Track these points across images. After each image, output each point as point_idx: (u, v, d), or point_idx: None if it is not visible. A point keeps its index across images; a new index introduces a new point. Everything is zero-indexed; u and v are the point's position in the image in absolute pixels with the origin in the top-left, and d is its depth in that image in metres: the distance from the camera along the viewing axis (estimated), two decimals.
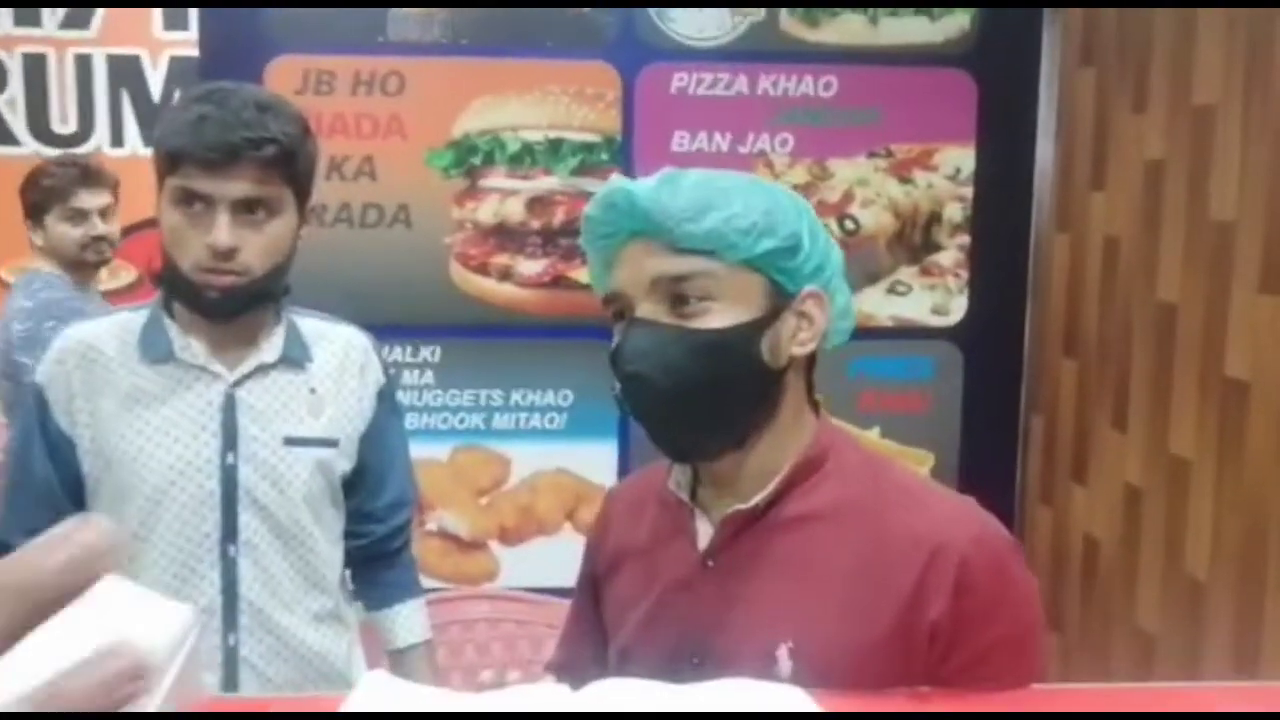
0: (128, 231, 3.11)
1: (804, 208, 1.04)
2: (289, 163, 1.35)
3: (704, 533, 1.03)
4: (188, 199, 1.32)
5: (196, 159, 1.30)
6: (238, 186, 1.31)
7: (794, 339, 1.01)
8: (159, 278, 1.42)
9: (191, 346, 1.40)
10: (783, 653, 0.93)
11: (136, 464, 1.37)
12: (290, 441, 1.43)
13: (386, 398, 1.56)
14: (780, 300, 1.00)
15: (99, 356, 1.40)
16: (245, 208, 1.33)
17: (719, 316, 0.98)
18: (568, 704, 0.81)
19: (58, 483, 1.38)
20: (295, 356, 1.45)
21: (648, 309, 0.98)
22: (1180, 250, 2.02)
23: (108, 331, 1.42)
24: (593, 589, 1.14)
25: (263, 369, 1.43)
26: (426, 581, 2.46)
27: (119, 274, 3.18)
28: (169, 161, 1.33)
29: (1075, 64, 2.43)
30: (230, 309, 1.37)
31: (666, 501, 1.06)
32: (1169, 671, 2.00)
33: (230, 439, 1.40)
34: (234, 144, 1.30)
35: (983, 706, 0.90)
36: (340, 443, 1.48)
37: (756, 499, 0.99)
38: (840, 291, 1.05)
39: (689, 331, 0.97)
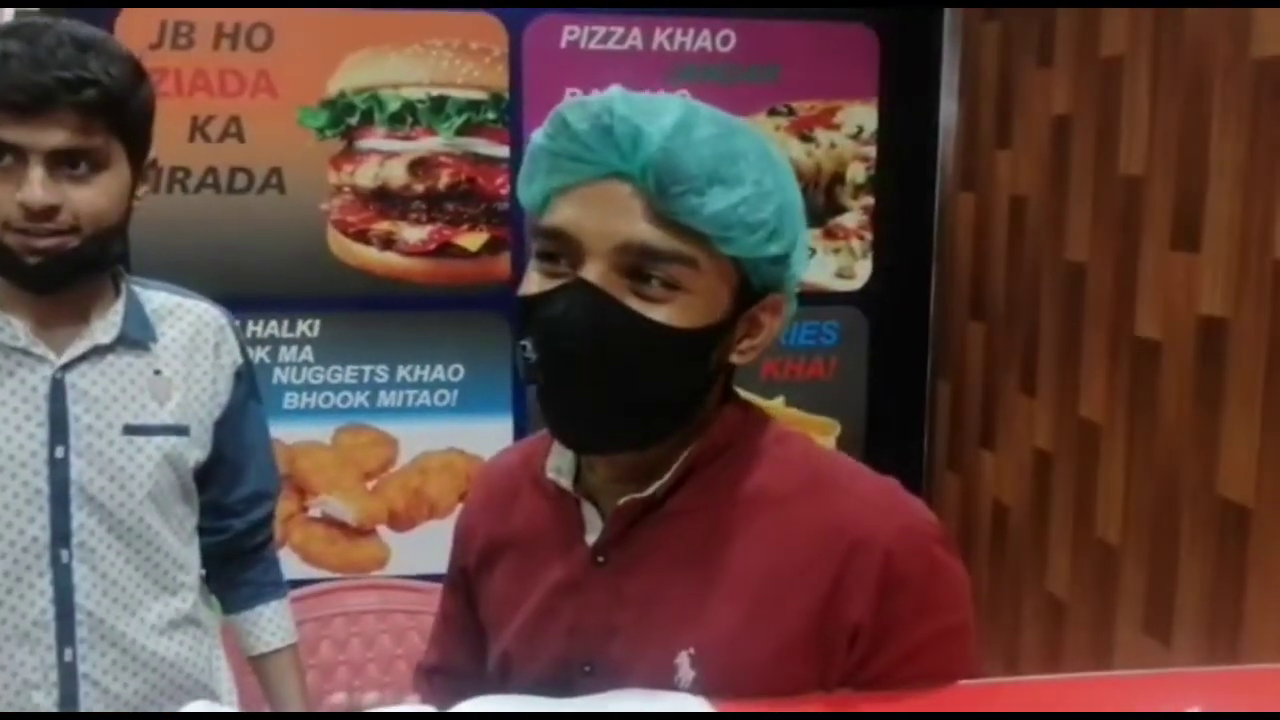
0: None
1: (799, 202, 0.87)
2: (116, 110, 1.18)
3: (593, 525, 0.90)
4: None
5: (4, 104, 1.13)
6: (53, 136, 1.14)
7: (737, 347, 0.87)
8: None
9: (11, 326, 1.23)
10: (684, 659, 0.81)
11: None
12: (131, 430, 1.27)
13: (244, 379, 1.41)
14: (742, 303, 0.85)
15: None
16: (64, 160, 1.16)
17: (683, 313, 0.81)
18: None
19: None
20: (136, 336, 1.29)
21: (600, 273, 0.80)
22: (1089, 208, 1.96)
23: None
24: (465, 583, 1.01)
25: (98, 351, 1.26)
26: (311, 571, 2.35)
27: None
28: None
29: (979, 17, 2.36)
30: (53, 277, 1.19)
31: (547, 489, 0.93)
32: (1079, 637, 1.97)
33: (60, 430, 1.23)
34: (47, 86, 1.12)
35: (906, 707, 0.80)
36: (191, 430, 1.32)
37: (654, 487, 0.86)
38: (793, 298, 0.90)
39: (645, 321, 0.80)
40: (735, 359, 0.88)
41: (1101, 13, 1.92)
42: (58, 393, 1.24)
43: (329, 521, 2.36)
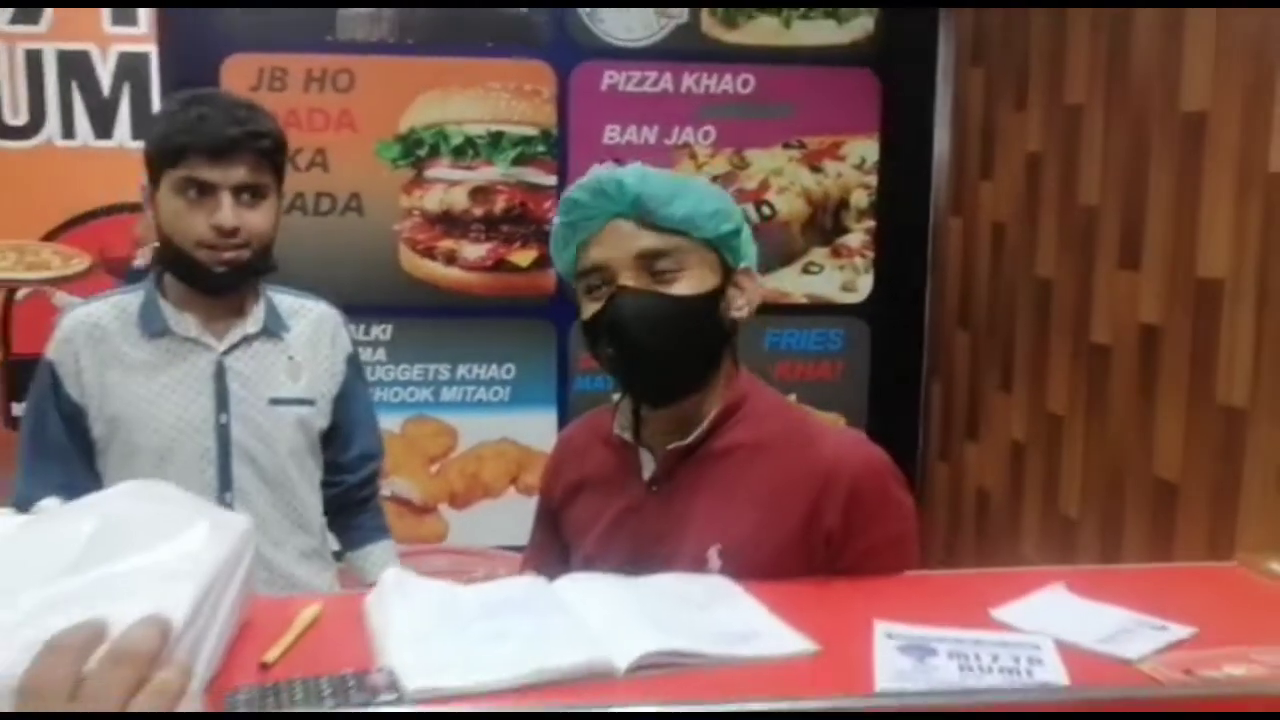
0: (80, 220, 3.23)
1: (729, 198, 1.26)
2: (275, 154, 1.56)
3: (648, 466, 1.25)
4: (190, 187, 1.50)
5: (202, 151, 1.48)
6: (236, 174, 1.51)
7: (734, 306, 1.24)
8: (157, 259, 1.60)
9: (185, 321, 1.58)
10: (713, 553, 1.16)
11: (142, 426, 1.55)
12: (274, 402, 1.62)
13: (353, 364, 1.76)
14: (726, 273, 1.23)
15: (102, 334, 1.58)
16: (242, 192, 1.52)
17: (688, 284, 1.19)
18: (545, 589, 1.03)
19: (71, 446, 1.56)
20: (274, 328, 1.65)
21: (630, 278, 1.18)
22: (1055, 232, 2.29)
23: (108, 311, 1.60)
24: (551, 518, 1.36)
25: (247, 339, 1.62)
26: None
27: (71, 262, 3.29)
28: (172, 155, 1.50)
29: (967, 64, 2.69)
30: (231, 282, 1.56)
31: (612, 443, 1.29)
32: None
33: (223, 401, 1.59)
34: (234, 137, 1.49)
35: (869, 588, 1.13)
36: (316, 402, 1.67)
37: (692, 436, 1.22)
38: (756, 274, 1.28)
39: (668, 296, 1.18)
40: (735, 314, 1.24)
41: (1066, 65, 2.25)
42: (220, 373, 1.59)
43: (397, 500, 2.69)
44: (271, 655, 0.88)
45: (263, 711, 0.79)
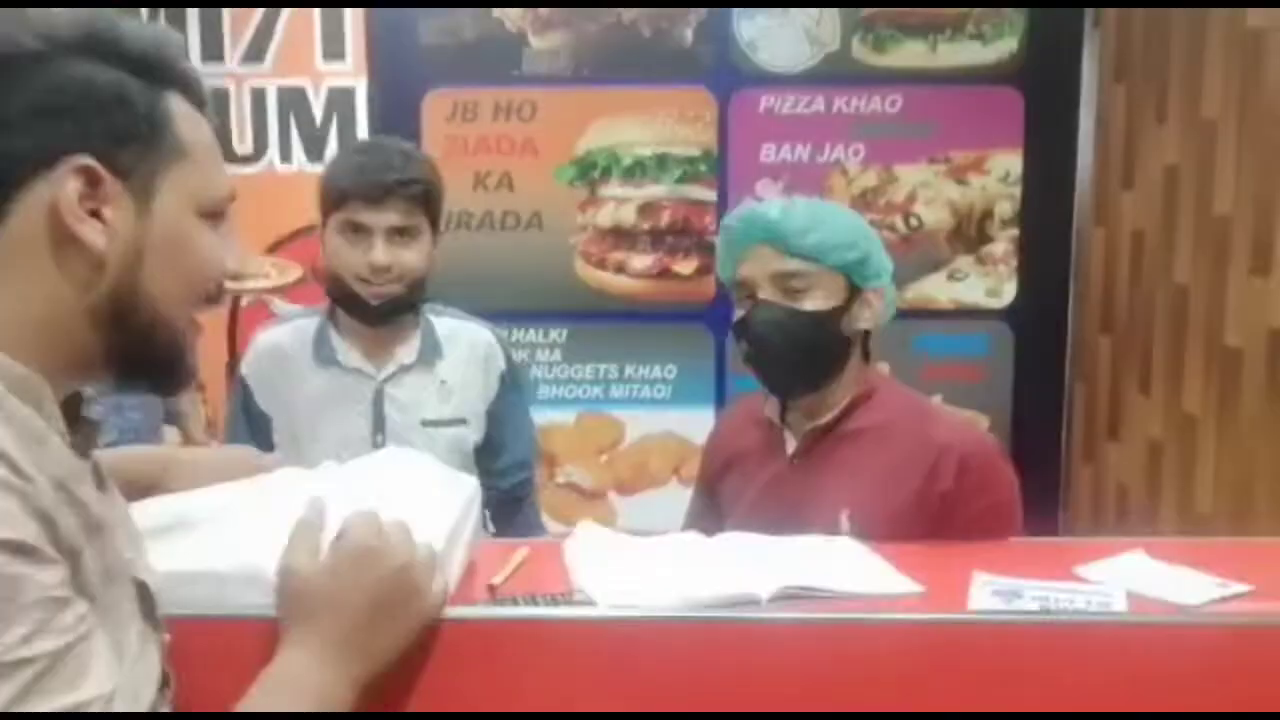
0: (294, 235, 3.67)
1: (872, 233, 1.50)
2: (427, 199, 1.76)
3: (790, 444, 1.50)
4: (351, 228, 1.72)
5: (360, 196, 1.69)
6: (389, 217, 1.70)
7: (859, 319, 1.48)
8: (327, 290, 1.83)
9: (350, 353, 1.82)
10: (843, 518, 1.39)
11: (311, 442, 1.77)
12: (427, 424, 1.82)
13: (508, 380, 1.93)
14: (853, 293, 1.47)
15: (284, 357, 1.83)
16: (395, 233, 1.71)
17: (815, 301, 1.44)
18: (705, 542, 1.27)
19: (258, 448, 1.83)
20: (429, 356, 1.84)
21: (768, 293, 1.45)
22: (1191, 241, 2.40)
23: (290, 336, 1.85)
24: (708, 487, 1.61)
25: (403, 369, 1.83)
26: (558, 527, 2.97)
27: (286, 271, 3.74)
28: (335, 199, 1.73)
29: (1110, 81, 2.81)
30: (385, 314, 1.77)
31: (761, 424, 1.54)
32: None
33: (380, 423, 1.80)
34: (388, 184, 1.69)
35: (974, 549, 1.32)
36: (469, 421, 1.86)
37: (828, 418, 1.46)
38: (890, 288, 1.52)
39: (797, 310, 1.44)
40: (859, 326, 1.48)
41: (1203, 80, 2.36)
42: (378, 399, 1.80)
43: (571, 487, 2.99)
44: (498, 579, 1.15)
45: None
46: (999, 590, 1.13)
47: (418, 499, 1.11)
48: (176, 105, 0.81)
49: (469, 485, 1.22)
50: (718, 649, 0.98)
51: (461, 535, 1.14)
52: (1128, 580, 1.15)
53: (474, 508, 1.22)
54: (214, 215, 0.82)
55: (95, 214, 0.77)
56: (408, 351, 1.83)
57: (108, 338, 0.79)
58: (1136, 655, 0.97)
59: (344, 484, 1.08)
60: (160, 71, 0.79)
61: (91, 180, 0.76)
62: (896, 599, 1.11)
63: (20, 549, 0.68)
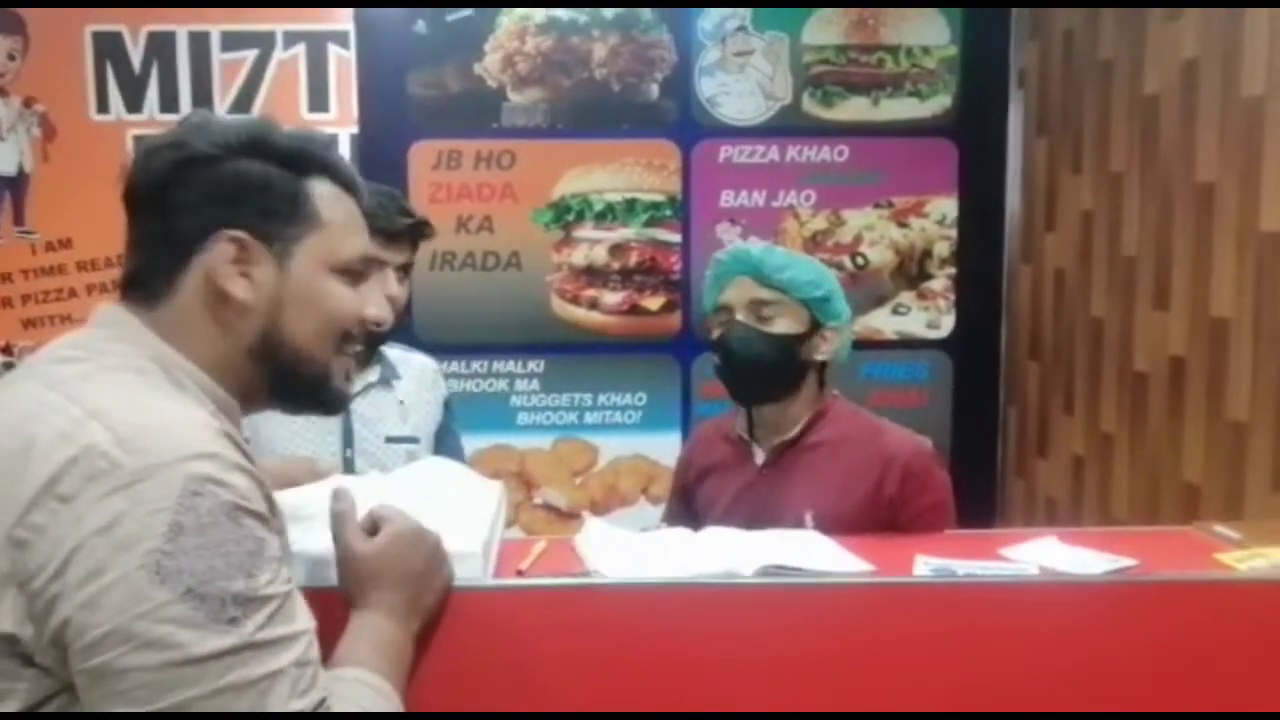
0: None
1: (836, 282, 1.76)
2: (423, 241, 1.94)
3: (759, 456, 1.75)
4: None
5: (379, 232, 1.68)
6: (400, 255, 1.86)
7: (817, 350, 1.74)
8: None
9: None
10: (807, 517, 1.64)
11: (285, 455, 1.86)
12: (390, 440, 1.93)
13: (449, 407, 2.09)
14: (814, 326, 1.73)
15: None
16: (399, 269, 1.86)
17: (781, 326, 1.70)
18: (692, 534, 1.51)
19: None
20: (388, 377, 1.97)
21: (743, 315, 1.71)
22: (1105, 278, 2.70)
23: None
24: (684, 493, 1.87)
25: (369, 387, 1.93)
26: None
27: None
28: None
29: (1033, 134, 3.13)
30: (378, 341, 1.89)
31: (731, 440, 1.80)
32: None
33: (349, 439, 1.90)
34: (404, 225, 1.85)
35: (916, 540, 1.58)
36: (421, 440, 1.98)
37: (792, 433, 1.72)
38: (846, 330, 1.78)
39: (766, 333, 1.70)
40: (816, 356, 1.74)
41: (1110, 137, 2.67)
42: (348, 415, 1.87)
43: (548, 507, 3.22)
44: (524, 564, 1.38)
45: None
46: (937, 567, 1.38)
47: (463, 500, 1.35)
48: (318, 187, 1.05)
49: (497, 488, 1.46)
50: (710, 611, 1.23)
51: (497, 529, 1.37)
52: (1041, 559, 1.42)
53: (503, 508, 1.46)
54: (348, 273, 1.06)
55: (245, 275, 1.01)
56: (371, 371, 1.95)
57: (265, 371, 1.03)
58: (1046, 609, 1.23)
59: (407, 488, 1.31)
60: (304, 163, 1.04)
61: (242, 247, 1.00)
62: (853, 575, 1.37)
63: (262, 518, 0.91)
